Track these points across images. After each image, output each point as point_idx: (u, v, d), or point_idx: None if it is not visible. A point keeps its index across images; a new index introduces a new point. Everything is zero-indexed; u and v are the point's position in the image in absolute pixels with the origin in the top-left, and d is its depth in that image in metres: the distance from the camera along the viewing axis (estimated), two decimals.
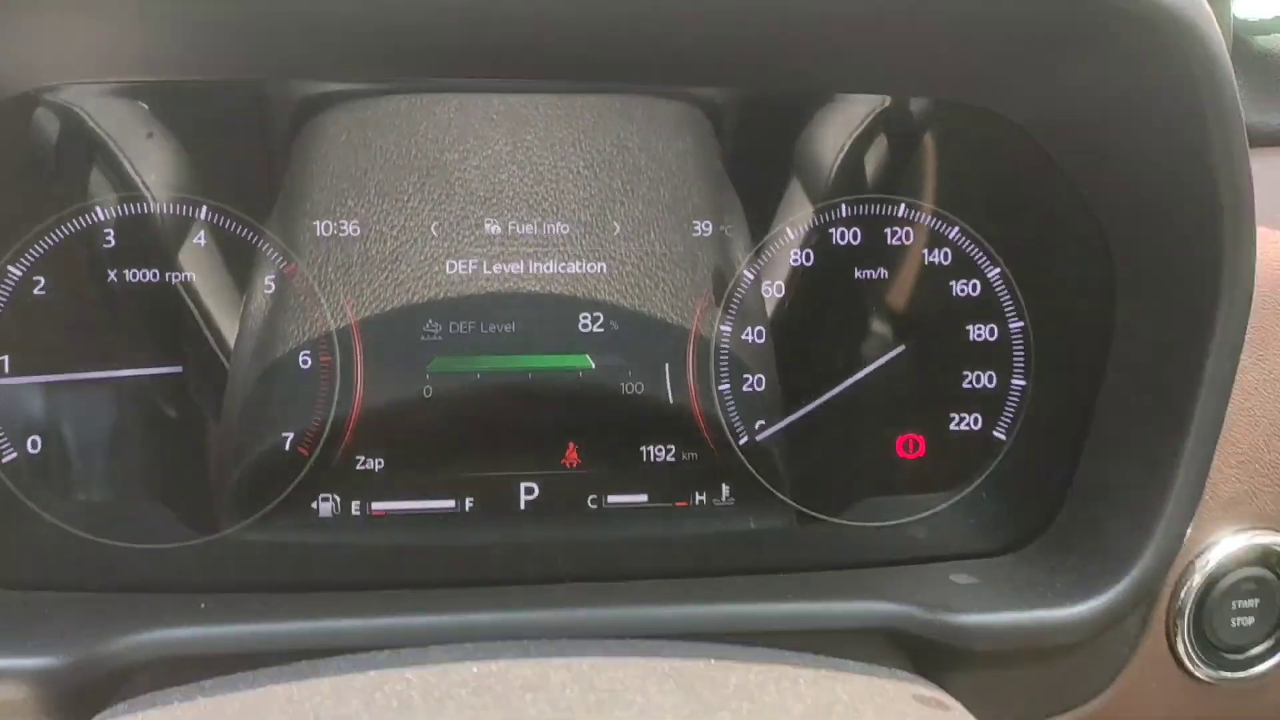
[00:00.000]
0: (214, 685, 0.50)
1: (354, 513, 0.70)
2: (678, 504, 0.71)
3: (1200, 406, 0.60)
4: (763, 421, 0.71)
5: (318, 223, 0.69)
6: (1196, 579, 0.66)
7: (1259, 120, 0.68)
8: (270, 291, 0.69)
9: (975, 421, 0.72)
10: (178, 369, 0.67)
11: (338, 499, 0.70)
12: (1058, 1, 0.54)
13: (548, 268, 0.71)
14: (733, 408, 0.71)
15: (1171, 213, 0.61)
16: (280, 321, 0.69)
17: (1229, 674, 0.67)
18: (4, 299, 0.65)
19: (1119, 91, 0.59)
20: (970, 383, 0.72)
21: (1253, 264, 0.58)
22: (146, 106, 0.67)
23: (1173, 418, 0.61)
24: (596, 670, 0.47)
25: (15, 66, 0.61)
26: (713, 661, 0.49)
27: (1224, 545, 0.66)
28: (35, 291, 0.66)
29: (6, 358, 0.66)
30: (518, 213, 0.71)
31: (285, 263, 0.69)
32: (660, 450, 0.71)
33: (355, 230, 0.70)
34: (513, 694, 0.44)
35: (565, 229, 0.71)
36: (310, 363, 0.69)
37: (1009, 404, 0.72)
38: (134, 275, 0.67)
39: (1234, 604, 0.67)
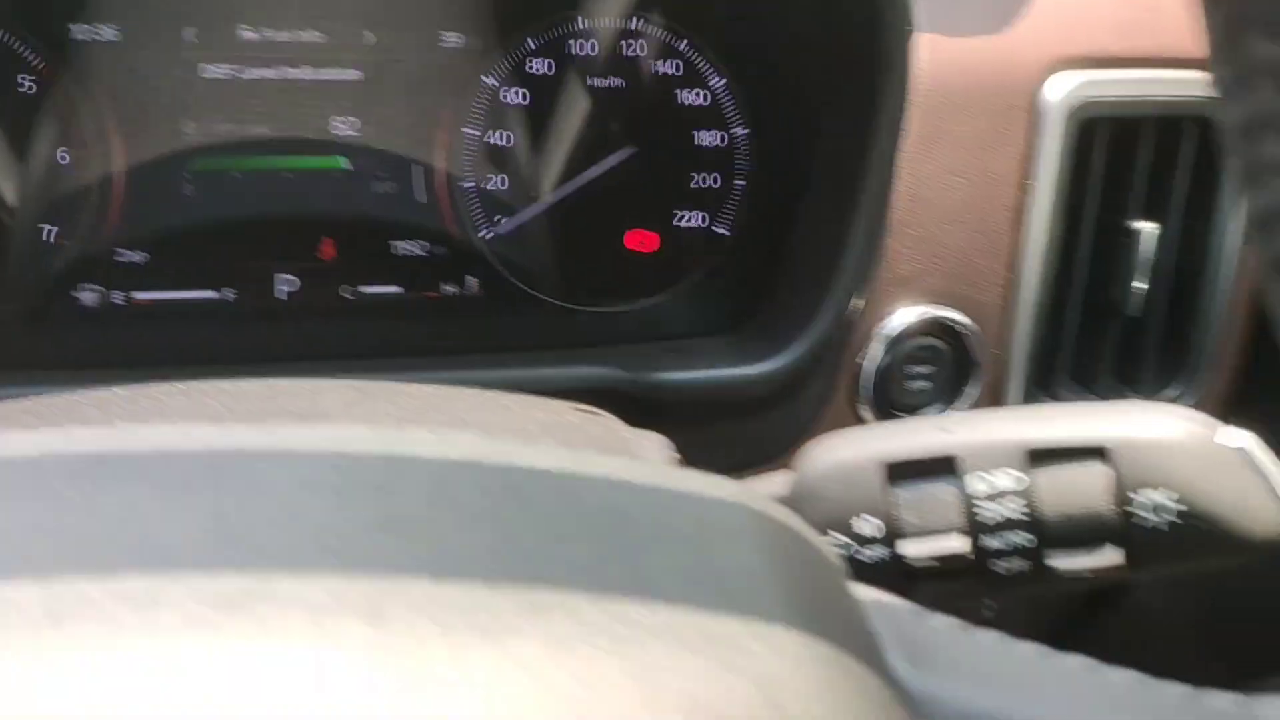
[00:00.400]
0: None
1: (117, 302, 0.74)
2: (428, 295, 0.78)
3: (864, 192, 0.68)
4: (503, 218, 0.78)
5: (73, 25, 0.72)
6: (876, 346, 0.75)
7: None
8: (29, 92, 0.72)
9: (701, 219, 0.80)
10: None
11: (101, 290, 0.74)
12: None
13: (302, 73, 0.75)
14: (476, 204, 0.77)
15: (844, 23, 0.68)
16: (39, 122, 0.72)
17: None
18: None
19: None
20: (696, 183, 0.79)
21: (903, 70, 0.66)
22: None
23: (846, 201, 0.70)
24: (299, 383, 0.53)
25: None
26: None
27: (900, 316, 0.75)
28: None
29: None
30: (271, 20, 0.74)
31: (41, 64, 0.72)
32: (411, 245, 0.77)
33: (113, 34, 0.73)
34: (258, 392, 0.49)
35: (319, 37, 0.75)
36: (68, 159, 0.72)
37: (729, 202, 0.80)
38: None
39: (909, 370, 0.76)
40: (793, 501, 0.48)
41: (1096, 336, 0.80)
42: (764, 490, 0.51)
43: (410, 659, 0.22)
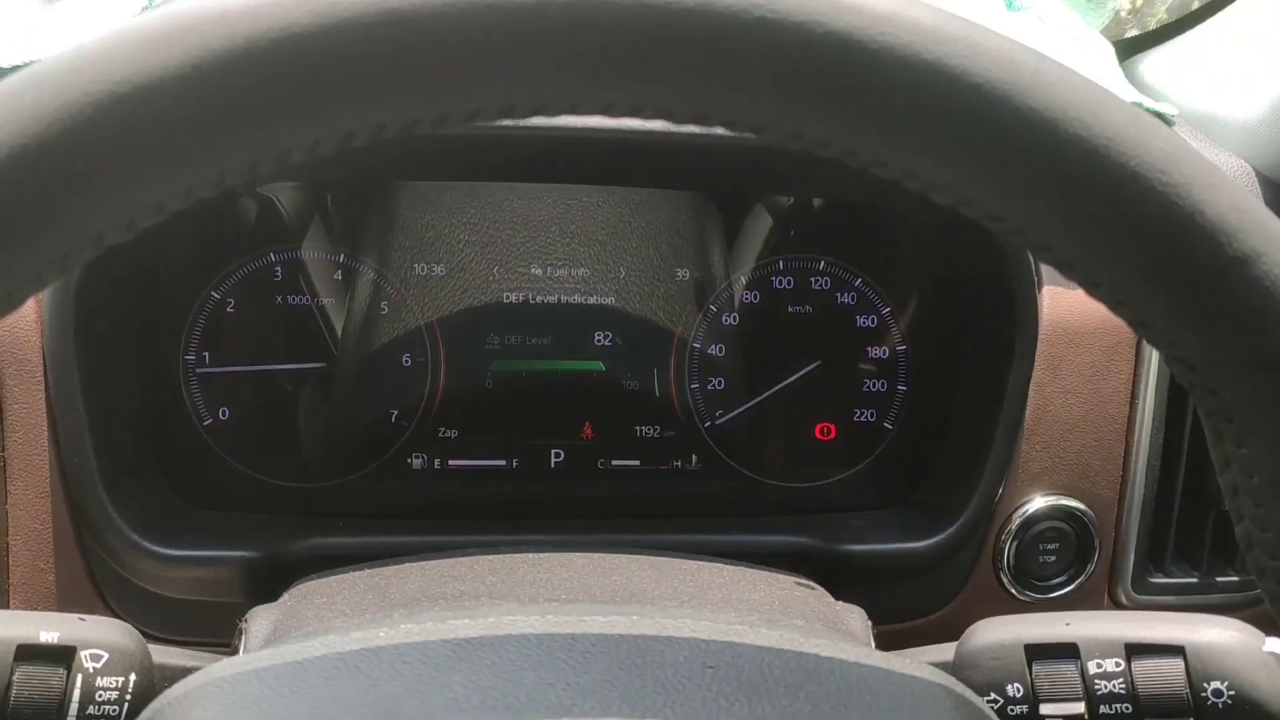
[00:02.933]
0: (369, 566, 0.79)
1: (435, 466, 1.00)
2: (661, 467, 1.00)
3: (1004, 408, 0.89)
4: (721, 411, 1.00)
5: (417, 265, 0.99)
6: (1014, 527, 0.94)
7: None
8: (384, 313, 0.98)
9: (871, 415, 1.01)
10: (323, 364, 0.98)
11: (425, 457, 1.00)
12: None
13: (573, 299, 1.00)
14: (700, 401, 1.00)
15: (981, 284, 0.90)
16: (390, 333, 0.99)
17: (1036, 595, 0.95)
18: (208, 313, 0.97)
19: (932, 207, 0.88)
20: (868, 388, 1.01)
21: (1035, 323, 0.87)
22: (310, 195, 0.95)
23: (988, 415, 0.91)
24: (603, 558, 0.76)
25: None
26: (674, 557, 0.78)
27: (1034, 505, 0.94)
28: (228, 309, 0.97)
29: (207, 354, 0.97)
30: (554, 262, 1.00)
31: (394, 292, 0.99)
32: (649, 429, 1.00)
33: (442, 272, 0.99)
34: (555, 567, 0.72)
35: (586, 273, 1.00)
36: (410, 362, 0.98)
37: (895, 404, 1.01)
38: (294, 300, 0.96)
39: (1040, 547, 0.95)
40: (957, 669, 0.69)
41: (1200, 521, 0.98)
42: (936, 659, 0.71)
43: None
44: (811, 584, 0.78)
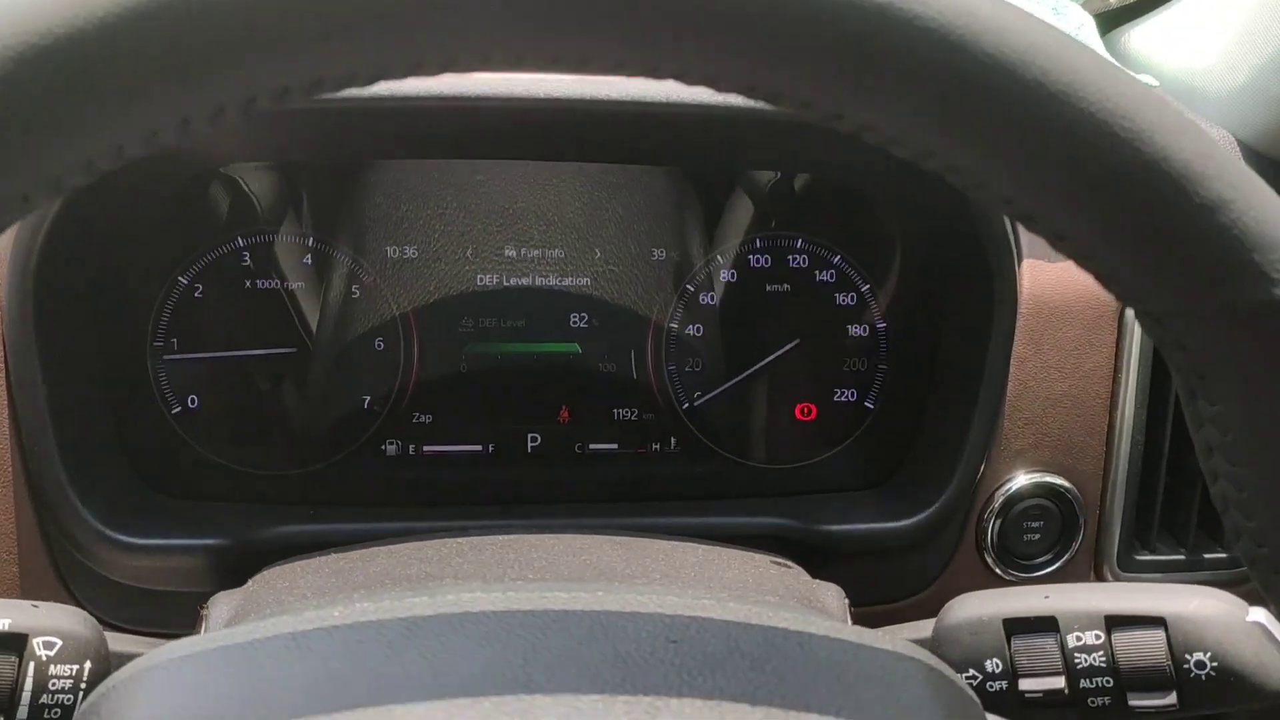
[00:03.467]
0: (336, 551, 0.78)
1: (410, 453, 0.98)
2: (639, 450, 0.98)
3: (984, 387, 0.88)
4: (699, 392, 0.98)
5: (388, 248, 0.97)
6: (997, 505, 0.92)
7: None
8: (355, 297, 0.96)
9: (852, 394, 0.99)
10: (293, 350, 0.96)
11: (399, 443, 0.98)
12: None
13: (549, 281, 0.99)
14: (678, 382, 0.99)
15: (961, 261, 0.89)
16: (362, 318, 0.97)
17: (1021, 574, 0.94)
18: (175, 299, 0.95)
19: (909, 186, 0.87)
20: (849, 366, 0.99)
21: (1014, 297, 0.85)
22: (278, 177, 0.93)
23: (968, 393, 0.89)
24: (574, 539, 0.75)
25: (198, 155, 0.89)
26: (646, 537, 0.77)
27: (1017, 482, 0.92)
28: (195, 295, 0.95)
29: (175, 340, 0.95)
30: (528, 243, 0.98)
31: (366, 276, 0.97)
32: (627, 412, 0.99)
33: (414, 254, 0.97)
34: (524, 548, 0.71)
35: (561, 254, 0.98)
36: (383, 346, 0.97)
37: (875, 382, 1.00)
38: (263, 284, 0.94)
39: (1024, 525, 0.93)
40: (935, 644, 0.68)
41: (1186, 497, 0.96)
42: (913, 634, 0.70)
43: None
44: (788, 563, 0.76)
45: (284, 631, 0.48)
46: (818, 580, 0.73)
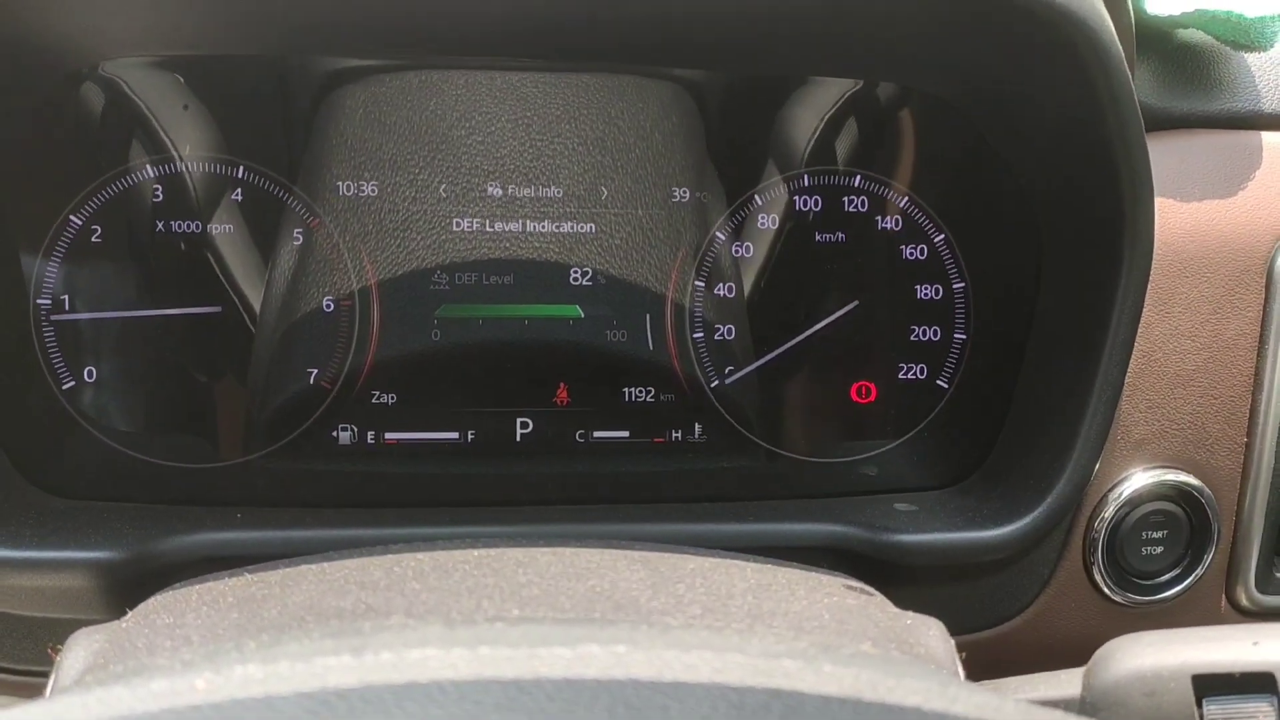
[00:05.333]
0: (253, 569, 0.59)
1: (369, 441, 0.79)
2: (655, 440, 0.80)
3: (1105, 356, 0.68)
4: (731, 367, 0.80)
5: (340, 183, 0.78)
6: (1110, 510, 0.74)
7: (1175, 105, 0.76)
8: (298, 243, 0.78)
9: (921, 371, 0.81)
10: (217, 309, 0.76)
11: (355, 429, 0.79)
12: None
13: (543, 227, 0.80)
14: (705, 355, 0.80)
15: (1082, 189, 0.69)
16: (307, 270, 0.78)
17: (1139, 597, 0.76)
18: (66, 245, 0.74)
19: (1031, 80, 0.67)
20: (917, 336, 0.80)
21: (1150, 236, 0.66)
22: (182, 79, 0.75)
23: (1084, 367, 0.70)
24: (577, 554, 0.55)
25: (68, 47, 0.69)
26: (674, 551, 0.58)
27: (1135, 481, 0.74)
28: (93, 239, 0.75)
29: (67, 297, 0.76)
30: (516, 178, 0.79)
31: (311, 217, 0.78)
32: (640, 392, 0.80)
33: (374, 191, 0.78)
34: (507, 568, 0.52)
35: (559, 193, 0.80)
36: (333, 307, 0.78)
37: (950, 356, 0.80)
38: (178, 226, 0.76)
39: (1144, 534, 0.75)
40: (1088, 707, 0.48)
41: None
42: (1053, 692, 0.51)
43: None
44: (866, 587, 0.57)
45: (116, 715, 0.30)
46: (910, 613, 0.54)
